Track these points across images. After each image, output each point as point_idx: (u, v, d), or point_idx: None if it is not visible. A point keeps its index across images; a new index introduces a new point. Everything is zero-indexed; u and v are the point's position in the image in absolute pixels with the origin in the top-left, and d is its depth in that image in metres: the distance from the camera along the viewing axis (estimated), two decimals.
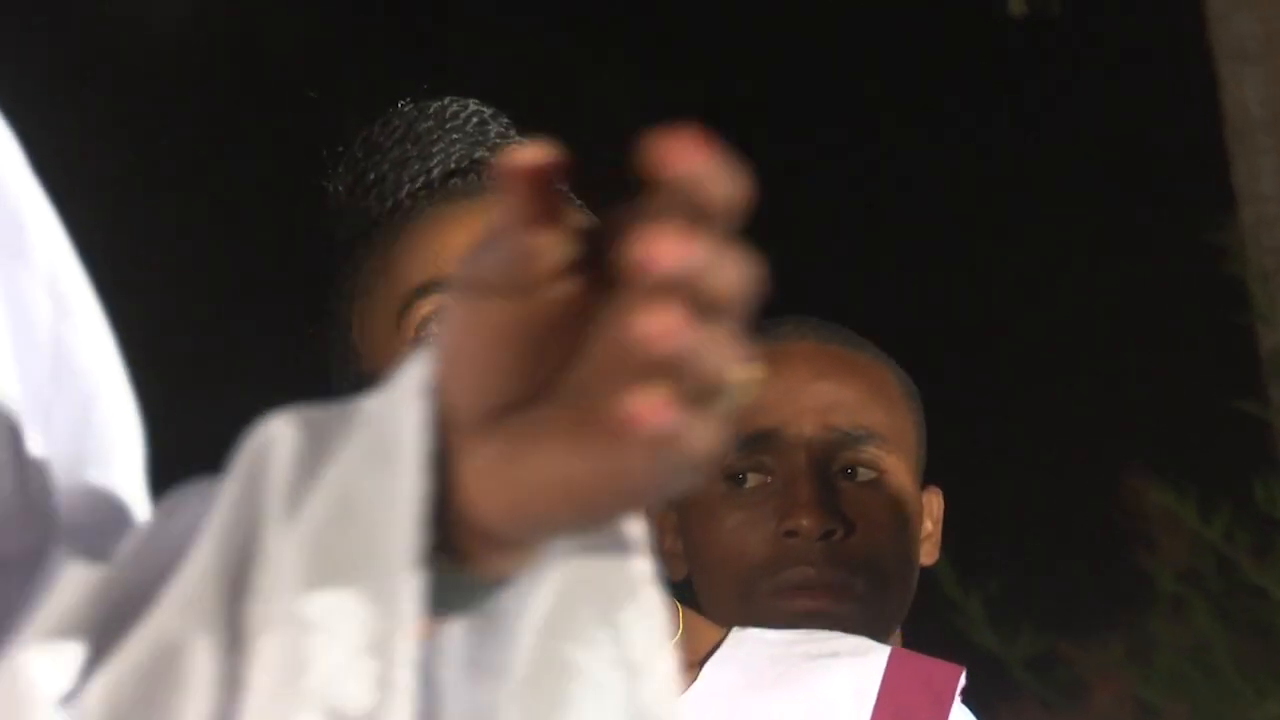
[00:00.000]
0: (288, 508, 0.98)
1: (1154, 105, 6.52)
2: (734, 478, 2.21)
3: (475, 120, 1.90)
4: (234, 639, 0.98)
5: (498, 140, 1.95)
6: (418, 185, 1.84)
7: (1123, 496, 5.19)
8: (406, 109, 1.92)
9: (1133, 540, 5.17)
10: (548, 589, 1.02)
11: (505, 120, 1.95)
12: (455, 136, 1.86)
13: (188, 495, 1.05)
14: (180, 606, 0.97)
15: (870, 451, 2.28)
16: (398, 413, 0.96)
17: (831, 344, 2.38)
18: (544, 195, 0.88)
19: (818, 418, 2.28)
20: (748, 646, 2.11)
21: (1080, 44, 6.51)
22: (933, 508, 2.39)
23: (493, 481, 0.94)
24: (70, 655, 0.98)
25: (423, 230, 1.89)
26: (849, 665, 2.12)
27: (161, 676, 0.98)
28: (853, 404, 2.28)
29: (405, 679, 0.96)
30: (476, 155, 1.86)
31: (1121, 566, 4.97)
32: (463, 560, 0.99)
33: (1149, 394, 5.57)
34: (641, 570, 1.03)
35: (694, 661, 2.13)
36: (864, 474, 2.21)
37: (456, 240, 1.88)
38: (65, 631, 0.98)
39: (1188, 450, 5.33)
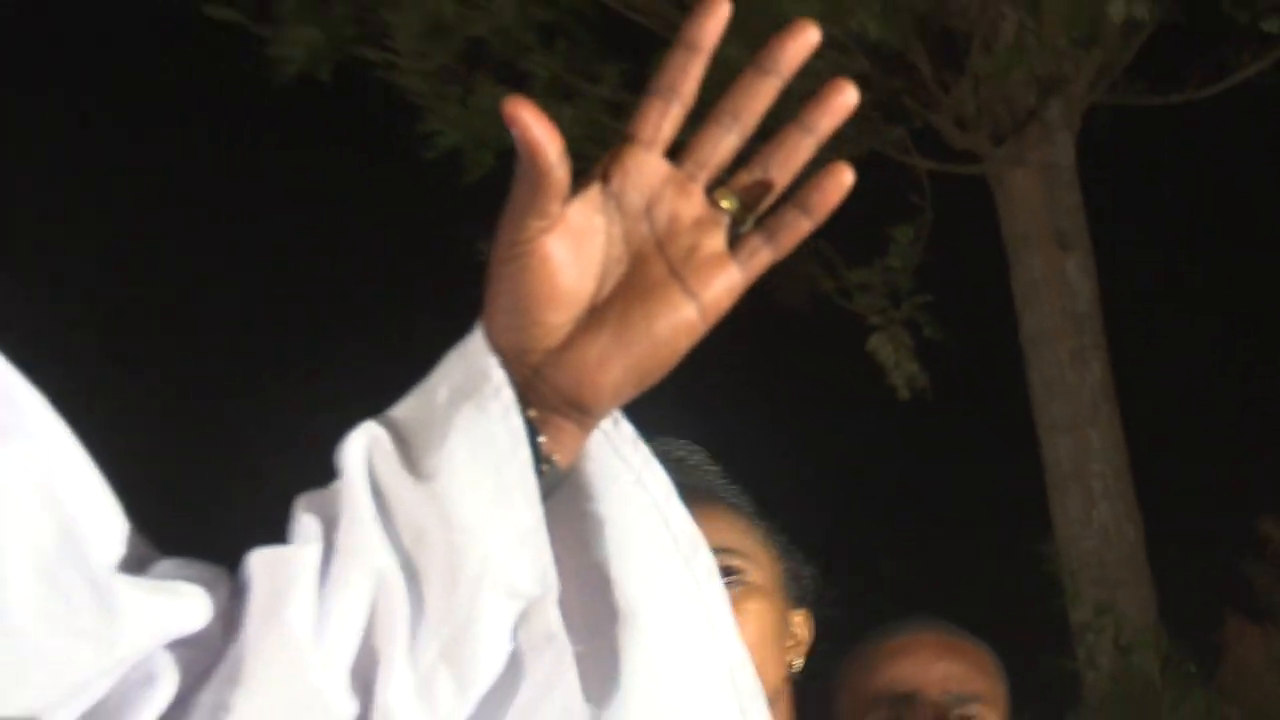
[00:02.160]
0: (407, 464, 1.29)
1: (999, 462, 8.67)
2: None
3: (681, 453, 2.42)
4: (408, 558, 1.28)
5: (695, 466, 2.45)
6: None
7: None
8: None
9: None
10: (603, 463, 1.38)
11: (705, 453, 2.48)
12: (668, 466, 2.10)
13: (312, 496, 1.30)
14: (363, 548, 1.26)
15: (976, 708, 2.72)
16: (479, 373, 1.28)
17: (948, 635, 2.81)
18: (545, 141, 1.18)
19: (941, 685, 2.75)
20: None
21: (945, 424, 8.62)
22: None
23: (610, 360, 1.27)
24: (312, 611, 1.25)
25: None
26: None
27: (377, 603, 1.28)
28: (964, 676, 2.73)
29: (549, 560, 1.29)
30: (676, 481, 2.11)
31: None
32: (552, 461, 1.31)
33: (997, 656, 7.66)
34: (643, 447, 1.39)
35: None
36: None
37: None
38: (303, 597, 1.24)
39: (1017, 696, 7.23)
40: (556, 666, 1.35)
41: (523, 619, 1.32)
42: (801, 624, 2.56)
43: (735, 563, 2.44)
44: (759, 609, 2.46)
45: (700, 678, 1.43)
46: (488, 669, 1.33)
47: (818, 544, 2.68)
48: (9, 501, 1.26)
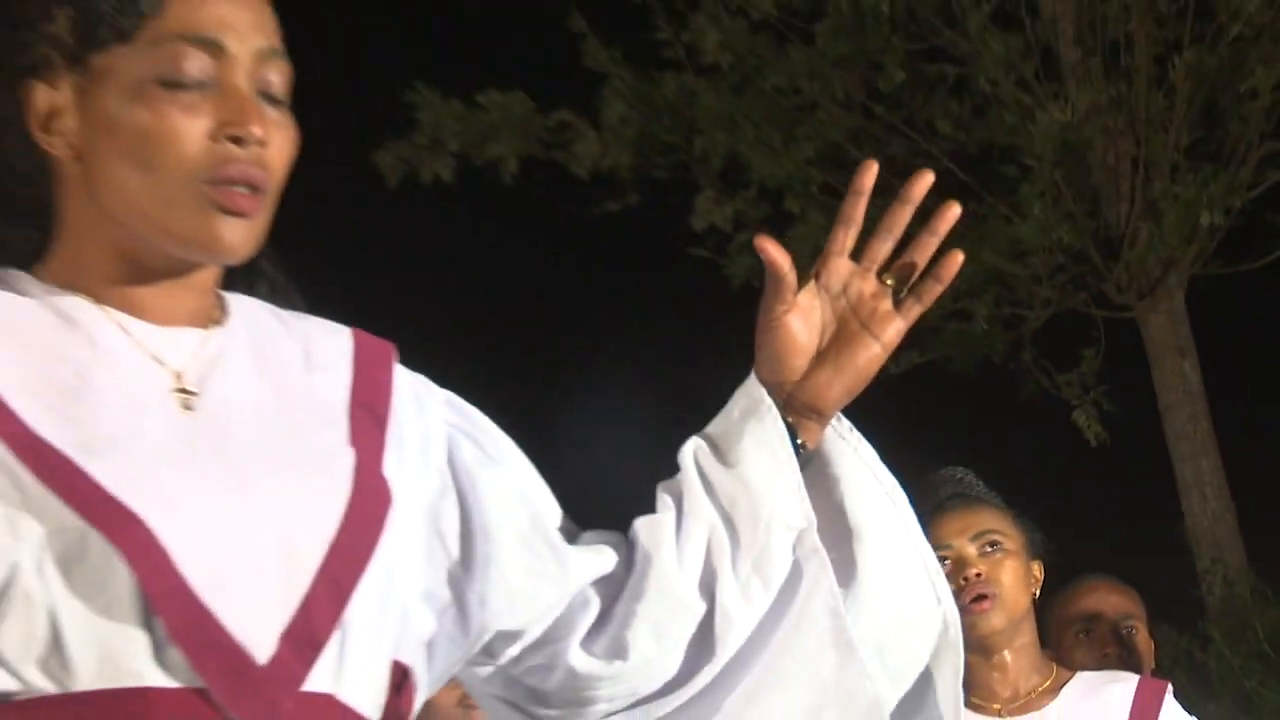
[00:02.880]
0: (720, 458, 1.72)
1: (1149, 480, 10.78)
2: None
3: (959, 474, 3.18)
4: (726, 514, 1.71)
5: (969, 483, 3.17)
6: (930, 507, 2.62)
7: None
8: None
9: None
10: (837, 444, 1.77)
11: (973, 474, 3.20)
12: (949, 484, 3.12)
13: (666, 483, 1.73)
14: (700, 510, 1.71)
15: (1133, 623, 3.77)
16: (756, 399, 1.72)
17: (1114, 581, 3.77)
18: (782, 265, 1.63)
19: (1114, 610, 3.75)
20: (1084, 679, 3.30)
21: (1117, 462, 10.53)
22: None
23: (832, 383, 1.70)
24: (674, 551, 1.72)
25: (938, 522, 3.06)
26: (1124, 685, 3.29)
27: (711, 541, 1.71)
28: (1126, 605, 3.83)
29: (809, 505, 1.69)
30: (958, 492, 3.11)
31: None
32: (803, 442, 1.71)
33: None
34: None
35: (1054, 688, 3.23)
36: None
37: (946, 529, 3.07)
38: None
39: (1164, 614, 7.83)
40: (820, 568, 1.75)
41: (798, 541, 1.75)
42: (1037, 569, 3.21)
43: (998, 539, 3.11)
44: (1013, 564, 3.12)
45: (904, 568, 1.83)
46: (780, 573, 1.75)
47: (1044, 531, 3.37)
48: (503, 502, 1.72)
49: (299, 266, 1.84)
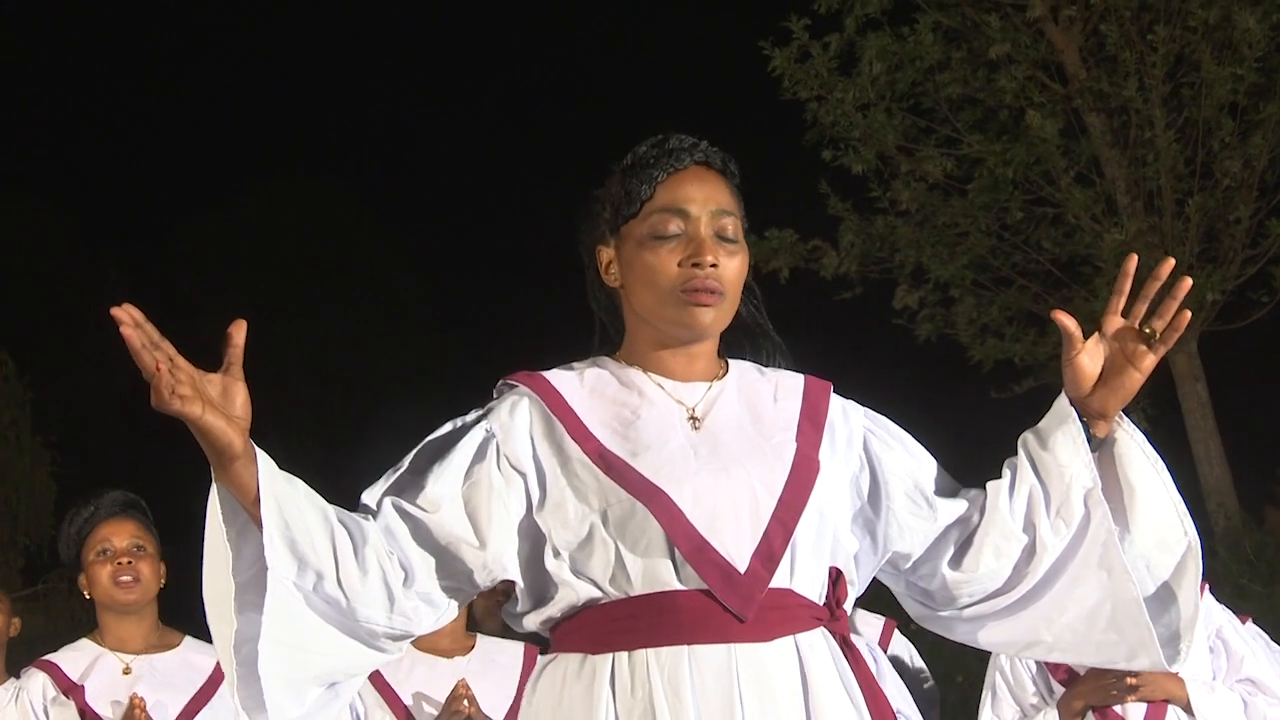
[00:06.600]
0: (1040, 444, 2.22)
1: (1186, 451, 11.90)
2: None
3: None
4: (1041, 479, 2.21)
5: None
6: None
7: None
8: None
9: None
10: (1125, 438, 2.22)
11: None
12: None
13: (1009, 460, 2.17)
14: (1025, 476, 2.21)
15: None
16: (1064, 408, 2.24)
17: None
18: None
19: None
20: None
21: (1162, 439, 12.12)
22: None
23: (1109, 397, 2.22)
24: (1008, 503, 2.22)
25: None
26: None
27: (1031, 496, 2.25)
28: None
29: (1096, 473, 2.23)
30: None
31: None
32: (1093, 431, 2.21)
33: None
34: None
35: None
36: None
37: None
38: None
39: None
40: (1103, 515, 2.14)
41: (1088, 496, 2.17)
42: None
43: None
44: None
45: (1162, 512, 2.19)
46: (1076, 517, 2.17)
47: None
48: (896, 472, 2.09)
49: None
